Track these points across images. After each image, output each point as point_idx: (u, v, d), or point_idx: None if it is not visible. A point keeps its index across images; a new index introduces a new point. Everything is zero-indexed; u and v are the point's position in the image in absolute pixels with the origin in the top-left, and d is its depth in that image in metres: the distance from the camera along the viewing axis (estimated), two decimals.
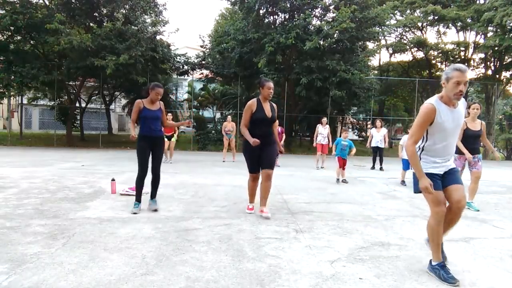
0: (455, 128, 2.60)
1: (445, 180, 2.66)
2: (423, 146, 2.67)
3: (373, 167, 10.38)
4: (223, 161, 10.71)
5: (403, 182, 7.14)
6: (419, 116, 2.55)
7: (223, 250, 2.89)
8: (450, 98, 2.49)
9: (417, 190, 2.66)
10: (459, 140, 4.65)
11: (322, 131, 10.02)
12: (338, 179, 7.08)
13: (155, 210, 4.15)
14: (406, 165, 7.03)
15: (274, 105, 4.25)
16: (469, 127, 4.84)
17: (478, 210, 4.86)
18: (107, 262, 2.56)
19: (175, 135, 10.52)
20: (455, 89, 2.44)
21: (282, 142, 10.62)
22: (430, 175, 2.57)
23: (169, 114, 10.62)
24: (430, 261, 2.63)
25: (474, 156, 4.91)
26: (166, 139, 9.87)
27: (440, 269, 2.52)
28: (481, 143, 5.08)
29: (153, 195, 4.31)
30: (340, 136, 7.38)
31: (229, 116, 11.72)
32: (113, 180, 5.24)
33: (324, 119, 10.23)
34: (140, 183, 4.11)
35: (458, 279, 2.45)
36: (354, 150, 7.12)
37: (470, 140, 4.86)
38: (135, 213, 3.97)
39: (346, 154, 7.10)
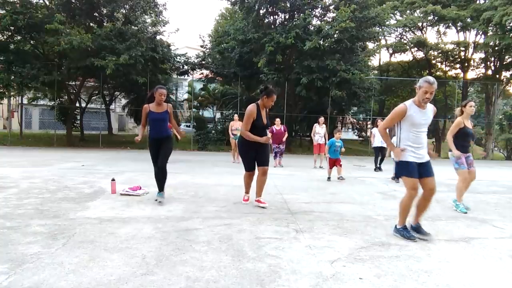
0: (423, 124, 3.28)
1: (421, 171, 3.25)
2: (400, 136, 3.32)
3: (379, 169, 9.69)
4: (233, 162, 10.61)
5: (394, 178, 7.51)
6: (393, 112, 3.31)
7: (223, 250, 2.89)
8: (420, 102, 3.20)
9: (399, 174, 3.34)
10: (451, 137, 4.70)
11: (319, 131, 10.03)
12: (329, 178, 7.38)
13: (160, 202, 4.52)
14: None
15: (267, 110, 4.70)
16: (466, 125, 4.70)
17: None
18: (107, 262, 2.56)
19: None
20: (423, 96, 3.16)
21: (284, 138, 10.54)
22: (409, 163, 3.22)
23: None
24: (395, 225, 3.49)
25: (468, 154, 4.82)
26: None
27: (403, 230, 3.37)
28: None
29: (161, 188, 4.69)
30: (333, 137, 7.57)
31: (236, 115, 11.38)
32: (113, 180, 5.24)
33: (322, 119, 10.20)
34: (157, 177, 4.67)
35: (415, 237, 3.29)
36: (343, 149, 7.64)
37: (468, 139, 4.77)
38: (160, 201, 4.49)
39: (338, 153, 7.47)
